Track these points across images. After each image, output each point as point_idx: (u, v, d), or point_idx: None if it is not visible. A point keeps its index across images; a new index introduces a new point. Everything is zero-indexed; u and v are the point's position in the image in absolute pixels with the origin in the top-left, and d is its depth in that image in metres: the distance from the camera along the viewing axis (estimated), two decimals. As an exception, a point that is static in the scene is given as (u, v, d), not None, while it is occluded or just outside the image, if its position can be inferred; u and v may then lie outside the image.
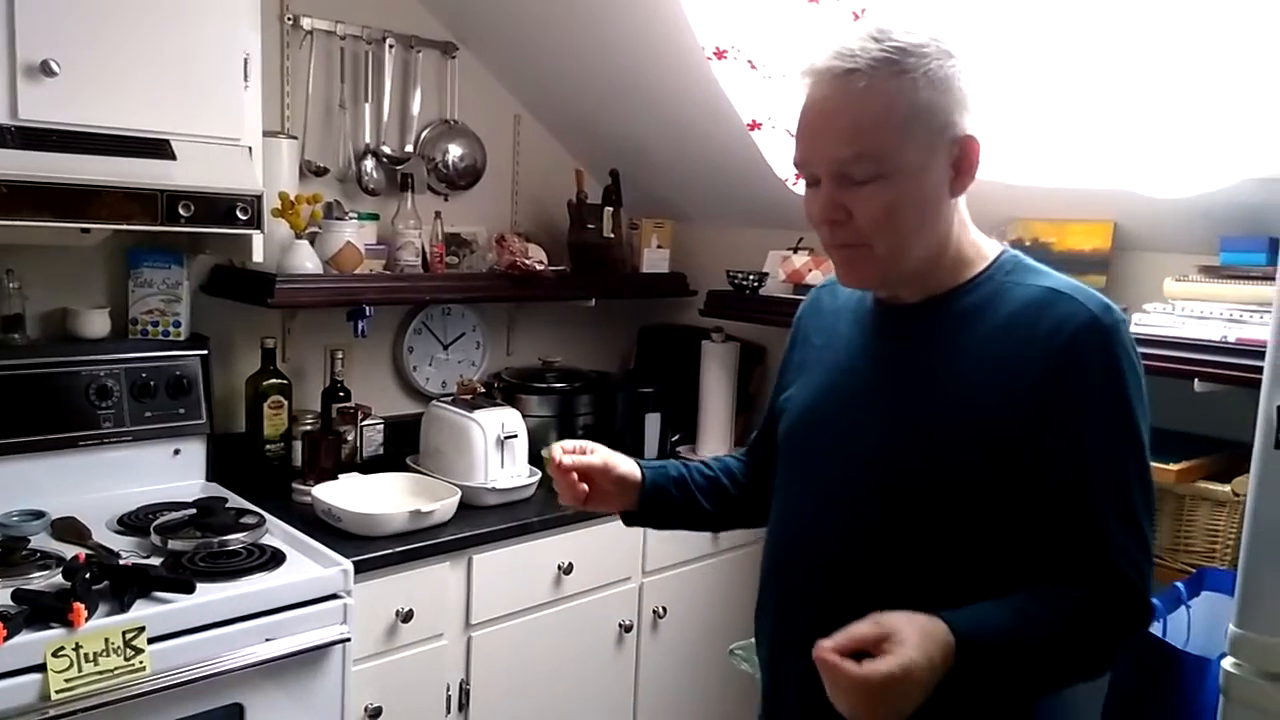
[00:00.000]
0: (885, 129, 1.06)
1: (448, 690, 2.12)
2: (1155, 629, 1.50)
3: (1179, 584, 1.61)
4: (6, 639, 1.47)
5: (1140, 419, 1.09)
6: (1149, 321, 1.88)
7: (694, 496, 1.39)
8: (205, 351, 2.26)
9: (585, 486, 1.32)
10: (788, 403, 1.32)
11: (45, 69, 1.71)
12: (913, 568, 1.13)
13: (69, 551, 1.78)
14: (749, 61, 1.97)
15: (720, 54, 1.98)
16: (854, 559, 1.16)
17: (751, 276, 2.55)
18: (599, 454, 1.35)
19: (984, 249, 1.20)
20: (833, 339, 1.29)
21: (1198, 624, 1.58)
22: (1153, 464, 1.70)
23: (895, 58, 1.06)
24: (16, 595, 1.58)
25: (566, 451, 1.33)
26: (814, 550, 1.21)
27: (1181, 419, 1.89)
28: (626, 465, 1.36)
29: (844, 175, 1.09)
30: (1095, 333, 1.07)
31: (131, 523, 1.99)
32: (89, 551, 1.80)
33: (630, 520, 1.40)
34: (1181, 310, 1.84)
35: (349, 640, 1.83)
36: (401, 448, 2.49)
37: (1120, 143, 1.94)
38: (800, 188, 2.06)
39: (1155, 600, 1.53)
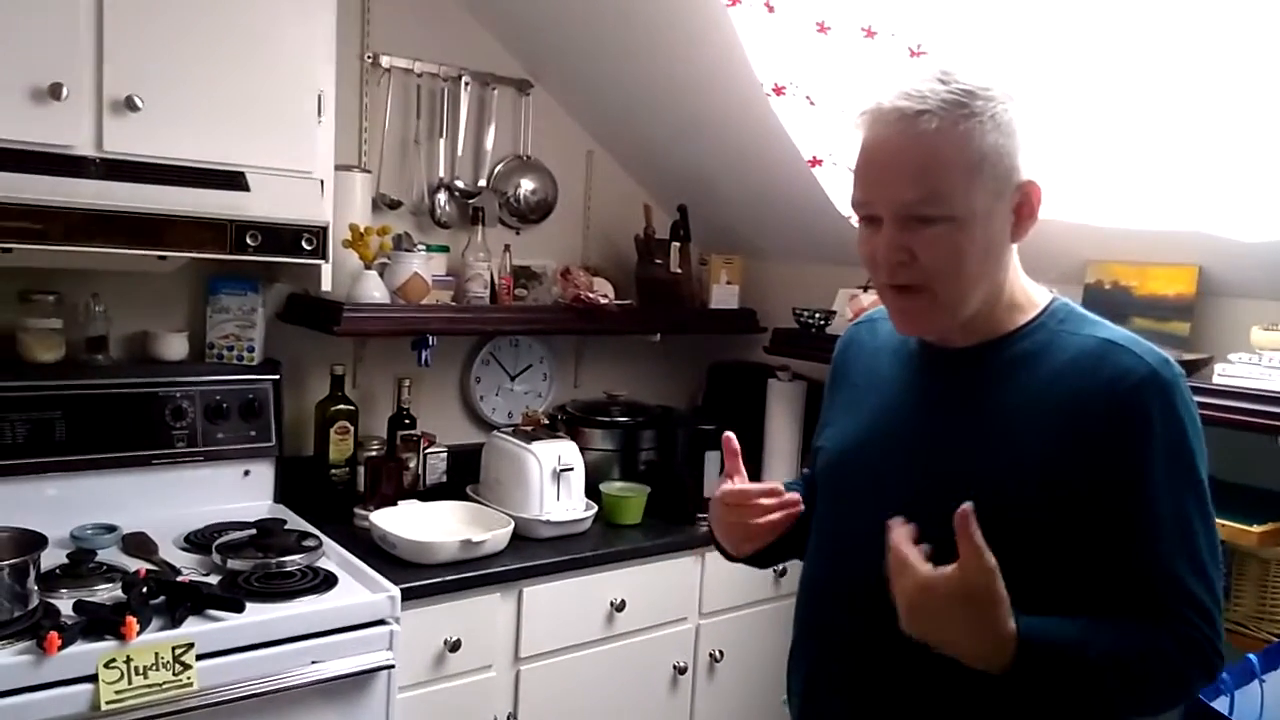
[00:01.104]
0: (956, 171, 1.06)
1: (494, 723, 2.11)
2: (1222, 705, 1.39)
3: (1252, 656, 1.49)
4: (61, 648, 1.53)
5: (1204, 472, 1.09)
6: (1234, 372, 1.77)
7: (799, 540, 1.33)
8: (277, 376, 2.33)
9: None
10: (828, 442, 1.31)
11: (130, 104, 1.81)
12: None
13: (134, 566, 1.84)
14: (807, 98, 1.96)
15: (779, 90, 1.96)
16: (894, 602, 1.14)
17: (818, 315, 2.50)
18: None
19: (1034, 296, 1.19)
20: (874, 379, 1.28)
21: (1274, 700, 1.46)
22: (1235, 525, 1.63)
23: (964, 100, 1.06)
24: (78, 606, 1.64)
25: (767, 495, 1.25)
26: (853, 592, 1.20)
27: (1266, 476, 1.78)
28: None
29: (910, 217, 1.08)
30: (1157, 386, 1.07)
31: (197, 540, 2.05)
32: (151, 567, 1.86)
33: (749, 561, 1.35)
34: (1269, 361, 1.74)
35: (394, 667, 1.84)
36: (465, 477, 2.51)
37: (1206, 182, 1.84)
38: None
39: (1225, 675, 1.43)
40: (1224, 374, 1.78)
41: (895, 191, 1.08)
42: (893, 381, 1.25)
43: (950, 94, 1.05)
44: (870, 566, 1.16)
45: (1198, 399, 1.71)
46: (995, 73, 1.10)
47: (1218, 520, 1.62)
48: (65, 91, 1.74)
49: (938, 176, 1.05)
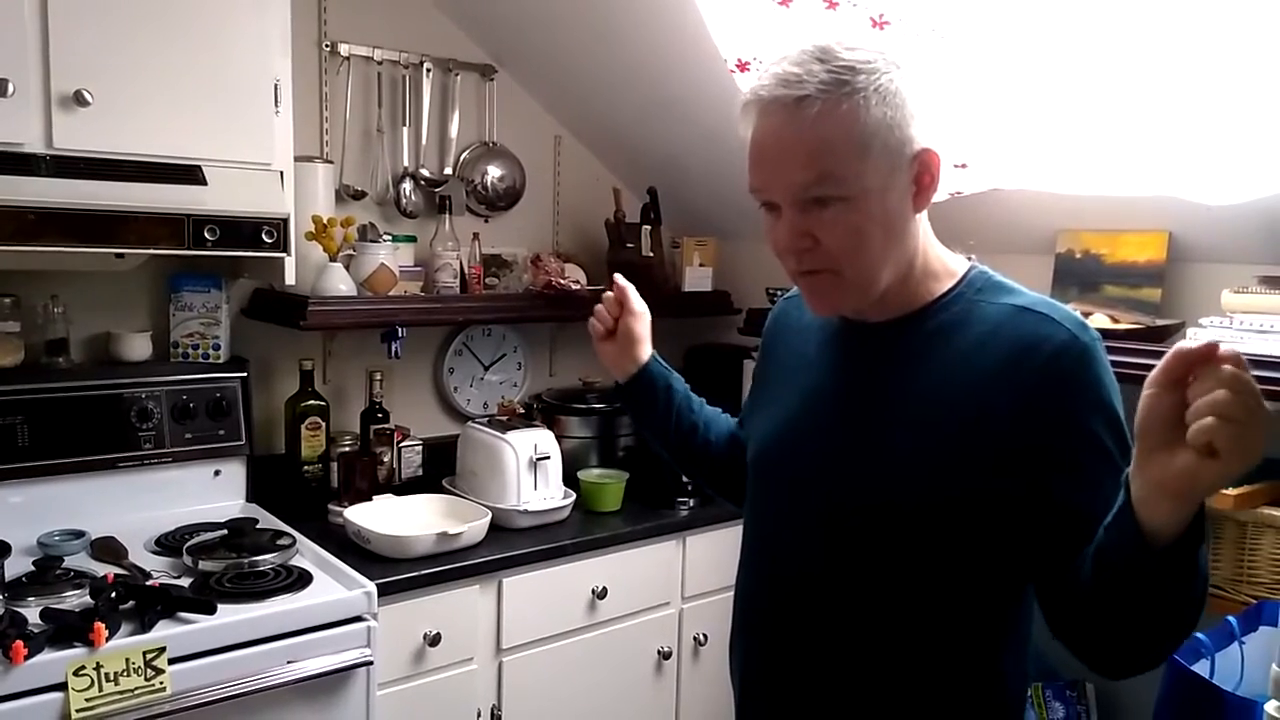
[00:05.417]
0: (844, 152, 1.05)
1: (478, 716, 2.09)
2: (1202, 668, 1.39)
3: (1231, 618, 1.49)
4: (28, 657, 1.49)
5: (1127, 429, 1.06)
6: (1206, 337, 1.75)
7: (669, 414, 1.47)
8: (245, 374, 2.29)
9: (610, 325, 1.48)
10: (756, 428, 1.32)
11: (79, 99, 1.76)
12: (890, 589, 1.13)
13: (103, 571, 1.80)
14: (772, 73, 1.93)
15: (743, 66, 1.93)
16: (829, 583, 1.17)
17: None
18: (643, 312, 1.48)
19: (950, 264, 1.18)
20: (800, 358, 1.28)
21: (1253, 661, 1.46)
22: (1212, 488, 1.63)
23: (845, 78, 1.04)
24: (44, 614, 1.60)
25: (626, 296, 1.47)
26: (781, 574, 1.22)
27: (1241, 440, 1.77)
28: (645, 332, 1.48)
29: (806, 201, 1.07)
30: (1076, 350, 1.06)
31: (168, 543, 2.02)
32: (120, 571, 1.82)
33: (618, 392, 1.51)
34: (1241, 324, 1.74)
35: (372, 663, 1.81)
36: (441, 469, 2.49)
37: (1174, 148, 1.84)
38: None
39: (1203, 636, 1.43)
40: (1197, 339, 1.78)
41: (787, 177, 1.07)
42: (818, 361, 1.24)
43: (830, 73, 1.03)
44: (799, 549, 1.19)
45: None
46: (879, 44, 1.08)
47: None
48: (11, 88, 1.69)
49: (828, 159, 1.04)
